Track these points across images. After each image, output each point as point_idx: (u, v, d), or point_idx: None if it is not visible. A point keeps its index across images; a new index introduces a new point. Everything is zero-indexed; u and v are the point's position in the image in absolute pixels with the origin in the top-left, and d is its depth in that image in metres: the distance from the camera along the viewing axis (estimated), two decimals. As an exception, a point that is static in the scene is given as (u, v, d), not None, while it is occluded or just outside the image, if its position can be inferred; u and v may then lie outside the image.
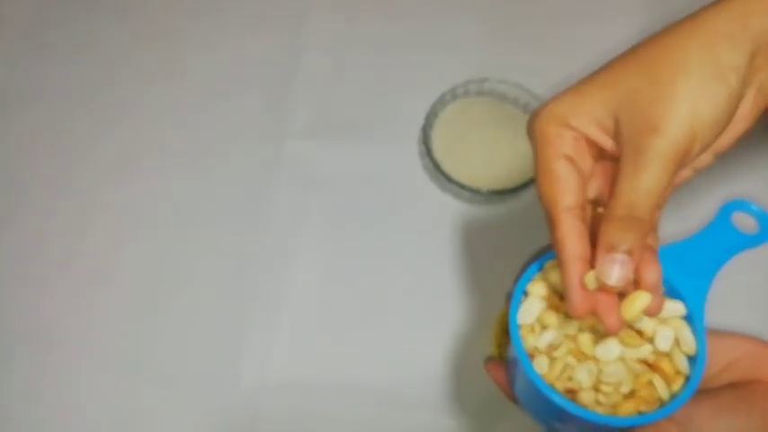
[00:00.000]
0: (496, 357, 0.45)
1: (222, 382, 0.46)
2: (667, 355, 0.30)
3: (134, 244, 0.51)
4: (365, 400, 0.46)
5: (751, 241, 0.33)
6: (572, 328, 0.30)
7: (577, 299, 0.26)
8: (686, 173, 0.28)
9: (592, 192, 0.28)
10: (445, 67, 0.55)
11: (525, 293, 0.32)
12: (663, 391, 0.29)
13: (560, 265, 0.27)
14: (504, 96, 0.52)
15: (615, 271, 0.25)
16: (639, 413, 0.29)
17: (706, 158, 0.27)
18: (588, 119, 0.26)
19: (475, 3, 0.59)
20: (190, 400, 0.46)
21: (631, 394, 0.29)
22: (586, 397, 0.29)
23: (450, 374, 0.47)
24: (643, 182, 0.24)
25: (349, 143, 0.53)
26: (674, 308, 0.30)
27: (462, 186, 0.48)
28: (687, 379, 0.30)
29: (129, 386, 0.47)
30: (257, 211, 0.51)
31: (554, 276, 0.30)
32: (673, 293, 0.31)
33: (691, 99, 0.23)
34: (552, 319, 0.30)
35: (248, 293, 0.49)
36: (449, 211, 0.51)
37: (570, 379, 0.30)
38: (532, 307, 0.31)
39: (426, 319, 0.48)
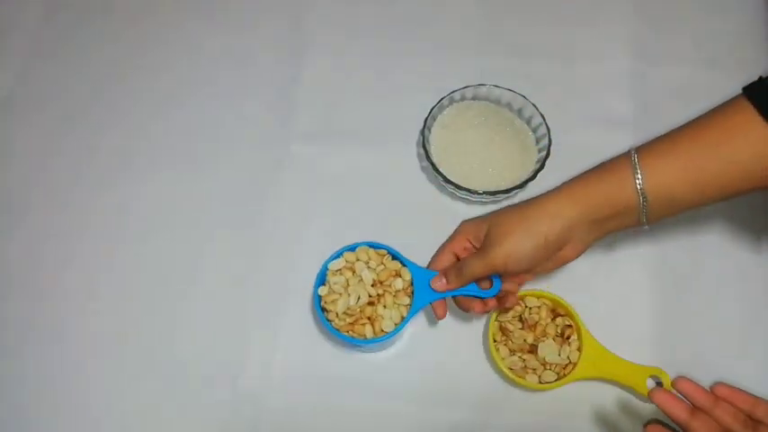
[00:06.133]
0: (492, 350, 0.46)
1: (225, 378, 0.48)
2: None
3: (140, 243, 0.52)
4: (365, 394, 0.47)
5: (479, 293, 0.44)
6: (357, 287, 0.44)
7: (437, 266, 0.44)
8: (528, 276, 0.44)
9: None
10: (443, 72, 0.57)
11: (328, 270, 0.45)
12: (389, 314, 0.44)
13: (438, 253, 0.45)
14: (499, 101, 0.53)
15: (442, 282, 0.44)
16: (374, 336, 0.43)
17: (543, 269, 0.42)
18: (473, 234, 0.44)
19: (472, 12, 0.60)
20: (193, 396, 0.47)
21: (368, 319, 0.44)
22: (341, 323, 0.44)
23: (448, 368, 0.48)
24: (474, 265, 0.42)
25: (351, 146, 0.55)
26: (398, 268, 0.45)
27: (459, 187, 0.49)
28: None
29: (132, 383, 0.48)
30: (261, 213, 0.53)
31: (350, 256, 0.45)
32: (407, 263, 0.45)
33: (511, 244, 0.40)
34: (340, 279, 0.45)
35: (251, 293, 0.50)
36: (446, 210, 0.53)
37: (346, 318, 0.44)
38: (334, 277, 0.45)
39: (424, 315, 0.49)
